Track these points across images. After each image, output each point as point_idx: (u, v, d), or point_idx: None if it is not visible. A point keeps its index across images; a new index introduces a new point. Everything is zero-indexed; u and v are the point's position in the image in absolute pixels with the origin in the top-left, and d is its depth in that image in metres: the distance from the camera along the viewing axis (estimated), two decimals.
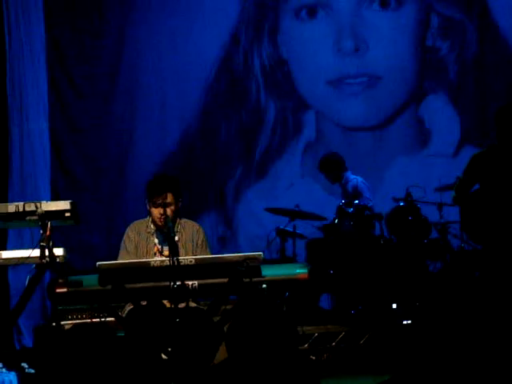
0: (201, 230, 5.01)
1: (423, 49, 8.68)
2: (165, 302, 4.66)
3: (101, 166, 8.51)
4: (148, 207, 4.95)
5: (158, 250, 4.91)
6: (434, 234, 7.30)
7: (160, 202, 4.84)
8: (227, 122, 8.73)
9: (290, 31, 8.84)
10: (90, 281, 4.44)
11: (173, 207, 4.88)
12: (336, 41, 8.70)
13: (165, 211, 4.83)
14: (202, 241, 4.95)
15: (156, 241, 4.95)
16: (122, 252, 4.95)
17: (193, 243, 4.93)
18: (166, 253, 4.84)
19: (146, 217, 5.06)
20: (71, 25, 8.51)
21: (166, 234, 4.81)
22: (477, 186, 5.78)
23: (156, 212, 4.87)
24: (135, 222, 5.07)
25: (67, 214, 4.37)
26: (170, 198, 4.87)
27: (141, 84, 8.66)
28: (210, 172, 8.70)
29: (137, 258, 4.83)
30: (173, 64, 8.66)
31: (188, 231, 4.97)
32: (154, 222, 4.94)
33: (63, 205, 4.42)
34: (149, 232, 4.96)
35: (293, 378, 2.39)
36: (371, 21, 8.68)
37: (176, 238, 4.90)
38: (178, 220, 4.97)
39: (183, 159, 8.65)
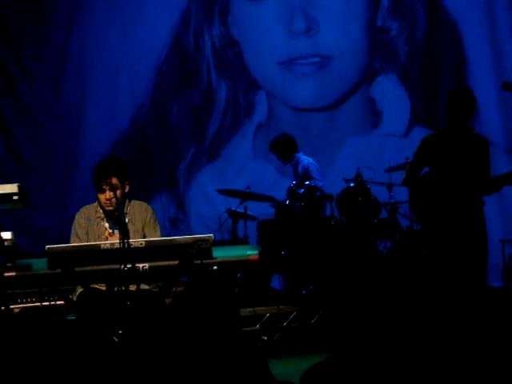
0: (149, 208, 4.98)
1: (374, 29, 8.73)
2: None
3: (50, 147, 8.42)
4: (96, 192, 4.90)
5: (109, 234, 4.86)
6: (384, 214, 7.37)
7: (105, 186, 4.80)
8: (178, 103, 8.69)
9: (241, 12, 8.81)
10: (40, 264, 4.40)
11: (119, 191, 4.83)
12: (287, 21, 8.69)
13: (115, 194, 4.78)
14: (151, 218, 4.92)
15: (106, 225, 4.89)
16: (72, 238, 4.90)
17: (142, 221, 4.90)
18: (118, 236, 4.80)
19: (95, 201, 5.00)
20: (19, 5, 8.38)
21: (116, 216, 4.76)
22: (427, 169, 5.85)
23: (102, 197, 4.82)
24: (84, 207, 5.00)
25: (15, 197, 4.30)
26: (114, 181, 4.80)
27: (91, 65, 8.57)
28: (162, 153, 8.66)
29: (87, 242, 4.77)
30: (123, 44, 8.58)
31: (137, 211, 4.94)
32: (101, 207, 4.89)
33: (10, 188, 4.35)
34: (99, 217, 4.90)
35: (238, 360, 2.40)
36: (322, 1, 8.70)
37: (126, 220, 4.86)
38: (127, 202, 4.93)
39: (134, 140, 8.60)
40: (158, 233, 4.88)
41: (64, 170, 8.45)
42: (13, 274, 4.35)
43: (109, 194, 4.78)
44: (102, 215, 4.88)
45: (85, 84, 8.54)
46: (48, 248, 4.34)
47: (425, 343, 2.27)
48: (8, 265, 4.37)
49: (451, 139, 5.63)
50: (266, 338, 6.23)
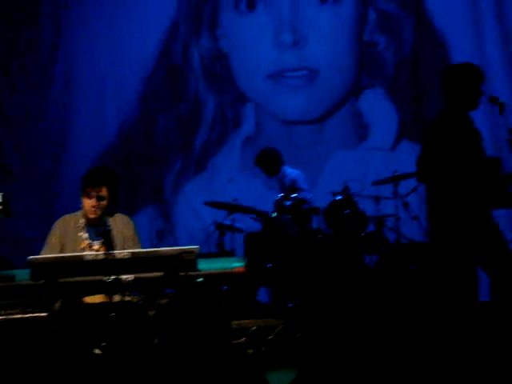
0: (131, 222, 4.94)
1: (361, 43, 8.75)
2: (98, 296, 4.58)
3: (36, 158, 8.39)
4: (81, 198, 4.86)
5: (89, 245, 4.82)
6: (371, 228, 7.36)
7: (94, 194, 4.77)
8: (166, 115, 8.67)
9: (229, 24, 8.82)
10: (23, 275, 4.35)
11: (105, 202, 4.80)
12: (275, 34, 8.71)
13: (98, 204, 4.75)
14: (133, 233, 4.89)
15: (85, 236, 4.86)
16: (45, 248, 4.85)
17: (123, 235, 4.86)
18: (96, 247, 4.78)
19: (79, 210, 4.96)
20: (5, 16, 8.36)
21: (100, 227, 4.72)
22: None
23: (88, 203, 4.79)
24: (63, 216, 4.95)
25: None
26: (104, 192, 4.79)
27: (78, 75, 8.55)
28: (149, 165, 8.64)
29: (62, 254, 4.71)
30: (111, 55, 8.57)
31: (119, 225, 4.89)
32: (85, 215, 4.85)
33: None
34: (78, 227, 4.86)
35: (235, 374, 2.38)
36: (310, 15, 8.72)
37: None
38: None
39: (121, 152, 8.57)
40: (140, 247, 4.86)
41: (48, 180, 8.41)
42: None
43: (95, 202, 4.75)
44: (82, 225, 4.84)
45: (71, 94, 8.52)
46: (30, 259, 4.30)
47: (411, 353, 2.25)
48: None
49: (458, 119, 5.04)
50: (251, 351, 6.19)
